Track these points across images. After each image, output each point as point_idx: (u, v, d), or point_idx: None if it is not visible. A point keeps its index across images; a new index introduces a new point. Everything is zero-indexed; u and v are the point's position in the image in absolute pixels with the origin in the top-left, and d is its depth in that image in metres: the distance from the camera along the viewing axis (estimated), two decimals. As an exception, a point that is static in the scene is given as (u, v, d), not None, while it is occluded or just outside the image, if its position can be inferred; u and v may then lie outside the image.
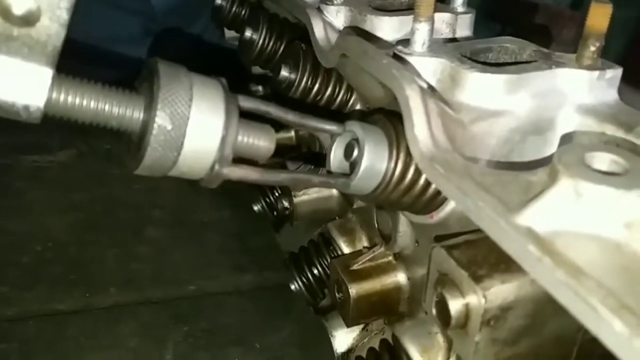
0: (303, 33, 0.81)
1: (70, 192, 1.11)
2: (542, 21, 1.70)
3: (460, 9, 0.72)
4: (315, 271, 0.84)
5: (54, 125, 0.42)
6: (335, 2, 0.74)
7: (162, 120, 0.38)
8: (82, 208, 1.08)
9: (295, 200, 0.87)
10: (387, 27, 0.69)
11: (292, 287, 0.86)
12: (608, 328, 0.29)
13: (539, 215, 0.36)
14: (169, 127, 0.39)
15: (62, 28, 0.35)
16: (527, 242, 0.34)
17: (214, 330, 0.87)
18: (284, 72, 0.73)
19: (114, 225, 1.05)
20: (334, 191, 0.87)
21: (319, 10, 0.74)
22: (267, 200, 1.01)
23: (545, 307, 0.43)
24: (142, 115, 0.40)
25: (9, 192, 1.09)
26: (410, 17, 0.69)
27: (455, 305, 0.43)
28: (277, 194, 0.97)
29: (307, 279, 0.84)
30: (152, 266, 0.98)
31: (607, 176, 0.36)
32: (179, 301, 0.92)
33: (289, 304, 0.92)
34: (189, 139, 0.40)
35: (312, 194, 0.88)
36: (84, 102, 0.38)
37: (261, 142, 0.45)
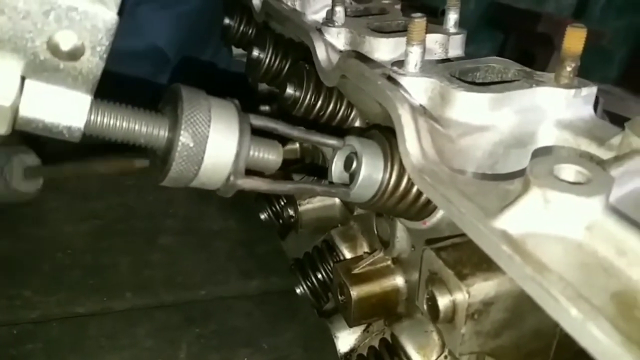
0: (306, 53, 0.87)
1: (87, 202, 1.18)
2: (545, 30, 1.73)
3: (452, 30, 0.77)
4: (320, 275, 0.88)
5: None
6: (336, 24, 0.80)
7: (185, 138, 0.44)
8: (98, 217, 1.14)
9: (300, 208, 0.92)
10: (384, 48, 0.74)
11: (298, 291, 0.91)
12: (566, 314, 0.34)
13: (512, 220, 0.41)
14: (192, 144, 0.45)
15: (102, 61, 0.41)
16: (501, 243, 0.40)
17: (223, 332, 0.92)
18: (290, 90, 0.79)
19: (128, 233, 1.11)
20: (336, 200, 0.92)
21: (320, 32, 0.80)
22: (273, 209, 1.06)
23: (524, 302, 0.49)
24: (167, 134, 0.46)
25: (30, 201, 1.14)
26: (404, 39, 0.75)
27: (443, 301, 0.48)
28: (282, 203, 1.03)
29: (312, 283, 0.89)
30: (164, 272, 1.03)
31: (571, 185, 0.41)
32: (190, 305, 0.97)
33: (293, 308, 0.97)
34: (208, 154, 0.46)
35: (315, 203, 0.93)
36: (117, 123, 0.44)
37: (270, 156, 0.51)
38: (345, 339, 0.87)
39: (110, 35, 0.40)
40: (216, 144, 0.46)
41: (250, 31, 1.11)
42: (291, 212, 0.95)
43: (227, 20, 1.12)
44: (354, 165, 0.56)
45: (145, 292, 0.98)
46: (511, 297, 0.48)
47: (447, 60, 0.75)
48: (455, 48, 0.78)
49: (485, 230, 0.41)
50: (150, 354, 0.86)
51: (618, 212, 0.39)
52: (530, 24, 1.77)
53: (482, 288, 0.46)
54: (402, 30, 0.79)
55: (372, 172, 0.55)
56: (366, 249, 0.85)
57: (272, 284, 1.05)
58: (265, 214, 1.08)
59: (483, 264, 0.48)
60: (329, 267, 0.88)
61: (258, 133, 0.52)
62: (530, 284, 0.37)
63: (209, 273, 1.05)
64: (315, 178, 0.85)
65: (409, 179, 0.56)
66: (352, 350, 0.86)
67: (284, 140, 0.54)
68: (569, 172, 0.43)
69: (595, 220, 0.40)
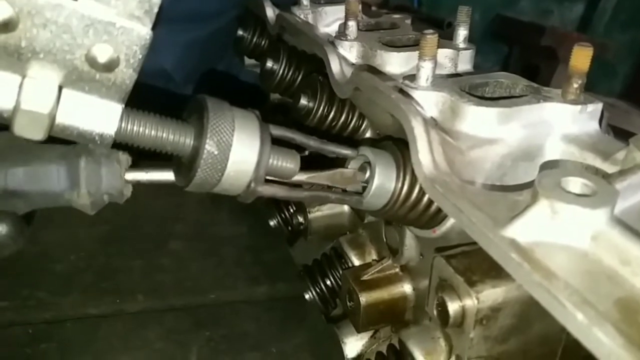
0: (319, 65, 0.89)
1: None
2: (549, 43, 1.75)
3: (462, 45, 0.79)
4: (328, 282, 0.90)
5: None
6: (348, 38, 0.82)
7: (210, 147, 0.47)
8: (110, 221, 1.16)
9: (310, 216, 0.94)
10: (395, 62, 0.77)
11: (307, 296, 0.93)
12: (572, 319, 0.36)
13: (521, 229, 0.43)
14: (216, 152, 0.47)
15: (135, 72, 0.43)
16: (510, 251, 0.42)
17: (232, 336, 0.94)
18: (303, 101, 0.81)
19: (139, 237, 1.13)
20: (346, 208, 0.95)
21: (333, 44, 0.83)
22: (283, 216, 1.08)
23: (531, 309, 0.51)
24: (192, 142, 0.48)
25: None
26: (416, 53, 0.77)
27: (453, 307, 0.50)
28: (292, 210, 1.05)
29: (321, 289, 0.91)
30: (174, 276, 1.05)
31: (578, 197, 0.43)
32: (199, 309, 0.99)
33: (301, 313, 0.98)
34: (232, 162, 0.48)
35: (325, 211, 0.95)
36: (146, 131, 0.47)
37: (289, 164, 0.53)
38: (353, 345, 0.88)
39: (144, 49, 0.42)
40: (239, 152, 0.48)
41: (263, 43, 1.13)
42: (301, 219, 0.97)
43: (240, 32, 1.15)
44: (367, 174, 0.58)
45: (156, 295, 1.00)
46: (518, 304, 0.50)
47: (457, 74, 0.77)
48: (465, 63, 0.80)
49: (495, 239, 0.43)
50: (161, 356, 0.88)
51: (622, 224, 0.41)
52: (535, 37, 1.79)
53: (491, 294, 0.48)
54: (412, 45, 0.81)
55: (384, 181, 0.57)
56: (375, 257, 0.86)
57: (279, 290, 1.07)
58: (274, 221, 1.10)
59: (492, 271, 0.50)
60: (338, 274, 0.89)
61: (276, 142, 0.54)
62: (538, 290, 0.39)
63: (217, 278, 1.07)
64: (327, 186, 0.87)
65: (420, 188, 0.58)
66: (359, 356, 0.88)
67: (300, 149, 0.56)
68: (575, 184, 0.45)
69: (601, 231, 0.42)
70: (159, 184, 0.55)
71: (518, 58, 1.91)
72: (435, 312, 0.53)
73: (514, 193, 0.50)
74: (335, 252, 0.90)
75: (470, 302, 0.49)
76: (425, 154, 0.53)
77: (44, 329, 0.89)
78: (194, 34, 1.27)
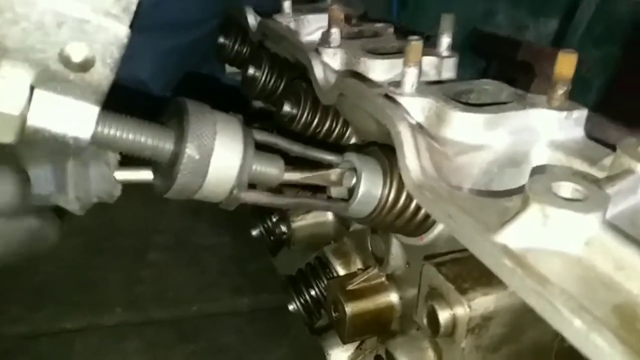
0: (302, 72, 0.88)
1: (76, 217, 1.16)
2: (525, 58, 1.78)
3: (445, 53, 0.78)
4: (313, 292, 0.88)
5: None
6: (331, 45, 0.81)
7: (191, 151, 0.45)
8: (87, 231, 1.12)
9: (293, 225, 0.93)
10: (378, 69, 0.75)
11: (291, 307, 0.90)
12: (569, 325, 0.35)
13: (512, 235, 0.42)
14: (197, 157, 0.45)
15: (112, 73, 0.41)
16: (502, 257, 0.41)
17: (215, 349, 0.91)
18: (287, 107, 0.80)
19: (118, 248, 1.10)
20: (330, 217, 0.93)
21: (317, 52, 0.82)
22: (265, 225, 1.06)
23: (522, 316, 0.49)
24: (172, 146, 0.46)
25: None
26: (399, 60, 0.77)
27: (443, 315, 0.49)
28: (274, 220, 1.03)
29: (305, 300, 0.89)
30: (154, 288, 1.02)
31: (569, 202, 0.42)
32: (181, 321, 0.96)
33: (284, 325, 0.97)
34: (213, 167, 0.46)
35: (309, 220, 0.93)
36: (124, 135, 0.45)
37: (272, 170, 0.51)
38: (338, 357, 0.86)
39: (121, 49, 0.40)
40: (221, 157, 0.46)
41: (244, 50, 1.12)
42: (284, 229, 0.95)
43: (222, 39, 1.13)
44: (353, 181, 0.57)
45: (135, 307, 0.97)
46: (510, 312, 0.49)
47: (440, 82, 0.77)
48: (448, 70, 0.79)
49: (487, 245, 0.42)
50: (141, 372, 0.85)
51: (616, 228, 0.40)
52: (511, 52, 1.82)
53: (482, 302, 0.47)
54: (395, 52, 0.81)
55: (371, 187, 0.56)
56: (360, 266, 0.85)
57: (262, 301, 1.05)
58: (257, 231, 1.08)
59: (482, 278, 0.49)
60: (323, 284, 0.88)
61: (258, 148, 0.52)
62: (533, 297, 0.38)
63: (199, 289, 1.04)
64: (311, 193, 0.86)
65: (408, 195, 0.57)
66: (344, 368, 0.86)
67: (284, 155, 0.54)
68: (566, 189, 0.44)
69: (594, 236, 0.41)
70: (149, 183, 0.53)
71: (496, 71, 1.93)
72: (425, 322, 0.52)
73: (503, 199, 0.49)
74: (320, 262, 0.89)
75: (461, 310, 0.48)
76: (412, 159, 0.52)
77: (20, 344, 0.85)
78: (173, 41, 1.24)
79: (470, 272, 0.50)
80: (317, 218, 0.93)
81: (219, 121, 0.47)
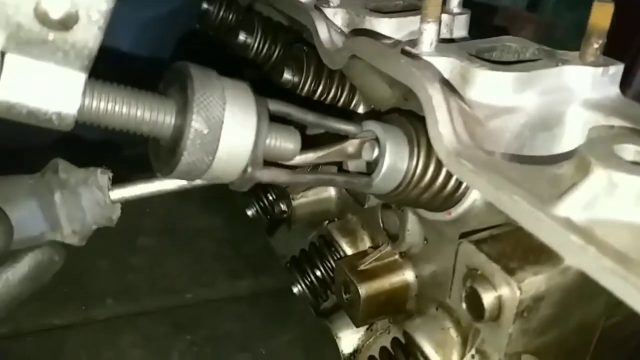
0: (298, 36, 0.81)
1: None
2: (501, 23, 1.75)
3: (456, 10, 0.73)
4: (318, 273, 0.84)
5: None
6: (332, 4, 0.74)
7: (198, 124, 0.38)
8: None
9: (294, 203, 0.87)
10: (386, 29, 0.69)
11: (295, 290, 0.86)
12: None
13: (575, 206, 0.37)
14: (205, 131, 0.38)
15: (100, 31, 0.34)
16: (568, 232, 0.35)
17: (216, 337, 0.86)
18: (287, 75, 0.73)
19: (105, 235, 1.02)
20: (332, 193, 0.87)
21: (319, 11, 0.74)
22: (262, 204, 1.00)
23: (572, 295, 0.45)
24: (174, 120, 0.39)
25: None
26: (408, 19, 0.70)
27: (488, 299, 0.44)
28: (272, 198, 0.97)
29: (311, 281, 0.84)
30: (146, 276, 0.96)
31: (639, 166, 0.37)
32: (177, 310, 0.90)
33: (288, 308, 0.92)
34: (224, 142, 0.40)
35: (310, 197, 0.88)
36: (117, 108, 0.37)
37: (288, 144, 0.45)
38: (348, 339, 0.82)
39: (110, 1, 0.33)
40: (232, 130, 0.40)
41: (230, 17, 1.03)
42: (283, 207, 0.90)
43: (205, 5, 1.04)
44: (375, 153, 0.51)
45: (128, 298, 0.90)
46: (560, 291, 0.44)
47: (452, 40, 0.71)
48: (460, 29, 0.74)
49: (547, 219, 0.37)
50: (139, 367, 0.79)
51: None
52: (487, 17, 1.80)
53: (533, 283, 0.42)
54: (401, 11, 0.74)
55: (396, 160, 0.50)
56: (368, 244, 0.80)
57: (262, 284, 0.99)
58: (252, 210, 1.02)
59: (529, 256, 0.44)
60: (329, 264, 0.83)
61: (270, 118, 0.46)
62: (612, 278, 0.32)
63: (194, 275, 0.98)
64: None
65: (436, 166, 0.51)
66: (356, 351, 0.82)
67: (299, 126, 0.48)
68: (629, 152, 0.39)
69: (668, 204, 0.36)
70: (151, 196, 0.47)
71: (474, 38, 1.90)
72: (463, 305, 0.47)
73: (550, 166, 0.44)
74: (324, 241, 0.83)
75: (509, 293, 0.43)
76: (446, 125, 0.46)
77: (2, 345, 0.78)
78: (156, 10, 1.15)
79: (515, 250, 0.45)
80: (319, 194, 0.88)
81: (228, 88, 0.40)
